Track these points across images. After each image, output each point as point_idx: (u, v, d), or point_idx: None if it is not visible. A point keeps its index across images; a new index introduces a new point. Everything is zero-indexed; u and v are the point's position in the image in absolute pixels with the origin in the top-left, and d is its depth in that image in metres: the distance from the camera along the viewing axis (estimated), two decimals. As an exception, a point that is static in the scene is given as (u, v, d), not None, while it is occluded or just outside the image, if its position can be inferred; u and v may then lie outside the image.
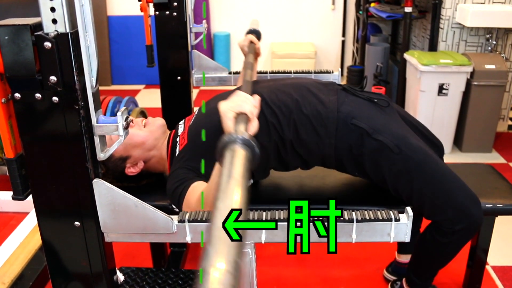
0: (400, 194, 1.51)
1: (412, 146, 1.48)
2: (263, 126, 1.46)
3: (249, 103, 1.19)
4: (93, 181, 1.09)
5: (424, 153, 1.48)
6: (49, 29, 0.97)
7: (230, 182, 0.73)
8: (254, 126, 1.18)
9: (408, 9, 3.61)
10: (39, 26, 0.97)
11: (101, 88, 3.59)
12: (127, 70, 5.09)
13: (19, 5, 2.91)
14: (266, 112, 1.49)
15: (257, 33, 2.05)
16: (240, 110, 1.16)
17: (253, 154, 0.88)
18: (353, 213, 1.19)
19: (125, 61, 5.03)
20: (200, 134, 1.49)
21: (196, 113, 1.67)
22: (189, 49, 2.20)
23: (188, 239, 1.16)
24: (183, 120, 1.71)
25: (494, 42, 3.45)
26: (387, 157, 1.46)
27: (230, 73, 2.30)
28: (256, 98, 1.24)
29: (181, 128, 1.66)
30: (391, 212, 1.21)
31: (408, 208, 1.21)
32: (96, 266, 1.18)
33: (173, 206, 1.45)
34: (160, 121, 1.69)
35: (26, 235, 2.16)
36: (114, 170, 1.61)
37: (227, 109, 1.17)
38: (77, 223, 1.13)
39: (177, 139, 1.61)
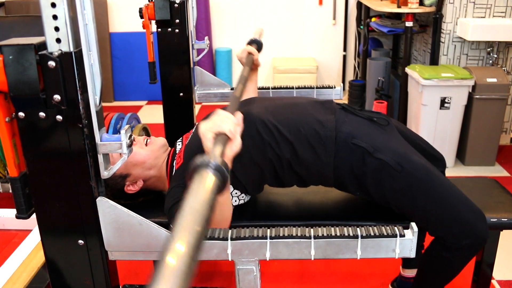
0: (404, 211, 1.51)
1: (414, 163, 1.47)
2: (259, 144, 1.47)
3: (229, 122, 1.15)
4: (97, 199, 1.09)
5: (426, 170, 1.48)
6: (53, 48, 0.98)
7: (190, 214, 0.70)
8: (236, 145, 1.15)
9: (409, 24, 3.63)
10: (43, 45, 0.98)
11: (103, 104, 3.60)
12: (129, 87, 5.11)
13: (22, 23, 2.94)
14: (262, 131, 1.48)
15: (258, 43, 1.97)
16: (219, 130, 1.12)
17: (223, 179, 0.86)
18: (358, 229, 1.19)
19: (127, 78, 5.05)
20: (194, 153, 1.49)
21: (194, 131, 1.67)
22: (191, 65, 2.21)
23: (192, 257, 1.16)
24: (181, 138, 1.71)
25: (495, 56, 3.46)
26: (389, 175, 1.45)
27: (232, 89, 2.31)
28: (238, 116, 1.21)
29: (179, 146, 1.66)
30: (396, 228, 1.20)
31: (413, 224, 1.21)
32: (99, 284, 1.17)
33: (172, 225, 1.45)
34: (161, 141, 1.69)
35: (29, 253, 2.15)
36: (113, 188, 1.60)
37: (206, 130, 1.14)
38: (81, 241, 1.13)
39: (175, 158, 1.62)
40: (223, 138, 1.10)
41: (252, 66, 1.83)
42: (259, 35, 2.04)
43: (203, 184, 0.81)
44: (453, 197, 1.49)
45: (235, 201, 1.54)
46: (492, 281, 2.18)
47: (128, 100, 5.16)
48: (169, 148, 1.71)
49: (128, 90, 5.13)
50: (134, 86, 5.09)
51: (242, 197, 1.55)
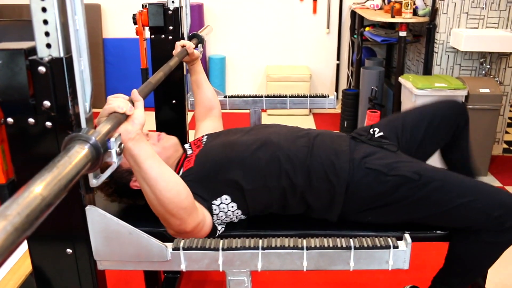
0: (438, 219, 1.50)
1: (429, 169, 1.50)
2: (276, 171, 1.49)
3: (118, 100, 1.14)
4: (86, 208, 1.06)
5: (443, 171, 1.52)
6: (43, 53, 0.96)
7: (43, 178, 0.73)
8: (136, 118, 1.14)
9: (402, 33, 3.64)
10: (33, 50, 0.96)
11: (95, 110, 3.57)
12: (122, 92, 5.06)
13: (14, 28, 2.92)
14: (283, 159, 1.50)
15: (197, 37, 2.13)
16: (109, 110, 1.10)
17: (96, 155, 0.87)
18: (351, 240, 1.17)
19: (120, 83, 5.03)
20: (207, 164, 1.52)
21: (205, 141, 1.68)
22: (185, 72, 2.20)
23: (183, 267, 1.14)
24: (189, 144, 1.72)
25: (488, 66, 3.48)
26: (410, 188, 1.46)
27: (225, 96, 2.29)
28: (140, 102, 1.21)
29: (189, 151, 1.67)
30: (389, 239, 1.19)
31: (407, 235, 1.19)
32: (88, 294, 1.15)
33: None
34: (174, 140, 1.68)
35: (17, 260, 2.12)
36: (118, 182, 1.57)
37: (99, 117, 1.12)
38: (69, 250, 1.10)
39: (185, 161, 1.61)
40: (114, 116, 1.07)
41: (186, 59, 1.94)
42: (204, 31, 2.13)
43: (71, 155, 0.81)
44: (481, 184, 1.50)
45: (233, 219, 1.53)
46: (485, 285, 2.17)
47: (121, 106, 5.13)
48: (181, 150, 1.69)
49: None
50: (127, 92, 5.04)
51: (241, 217, 1.54)
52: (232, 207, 1.49)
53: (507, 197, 1.46)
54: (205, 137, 1.73)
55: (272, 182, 1.49)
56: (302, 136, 1.60)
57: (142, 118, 1.16)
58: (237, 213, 1.51)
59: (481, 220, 1.44)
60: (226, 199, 1.48)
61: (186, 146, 1.71)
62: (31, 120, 1.00)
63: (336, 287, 2.25)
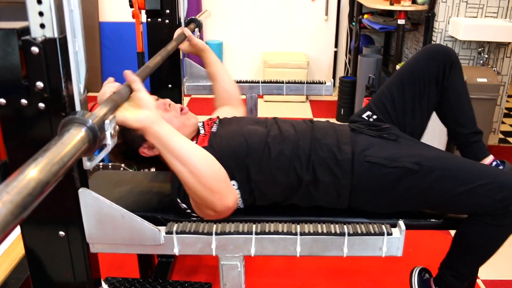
0: (442, 207, 1.51)
1: (430, 157, 1.48)
2: (285, 166, 1.49)
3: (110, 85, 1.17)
4: (79, 191, 1.06)
5: (444, 157, 1.50)
6: (37, 33, 0.94)
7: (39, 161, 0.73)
8: (147, 100, 1.18)
9: (401, 21, 3.62)
10: (26, 30, 0.95)
11: (91, 94, 3.56)
12: (118, 76, 5.03)
13: (9, 9, 2.88)
14: (291, 154, 1.49)
15: (196, 22, 2.11)
16: (106, 94, 1.13)
17: (93, 137, 0.88)
18: (345, 226, 1.17)
19: (116, 67, 4.99)
20: (222, 147, 1.50)
21: (217, 123, 1.66)
22: (181, 57, 2.18)
23: (176, 251, 1.14)
24: (202, 122, 1.69)
25: (486, 56, 3.47)
26: (412, 179, 1.46)
27: (222, 81, 2.28)
28: (138, 83, 1.23)
29: (202, 130, 1.65)
30: (383, 226, 1.19)
31: (401, 222, 1.19)
32: (80, 277, 1.15)
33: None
34: (196, 120, 1.64)
35: (10, 243, 2.11)
36: (129, 144, 1.53)
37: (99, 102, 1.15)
38: (61, 233, 1.10)
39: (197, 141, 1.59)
40: (111, 99, 1.07)
41: (189, 49, 1.93)
42: (202, 16, 2.10)
43: (68, 138, 0.81)
44: (483, 168, 1.50)
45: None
46: (478, 280, 2.18)
47: (117, 90, 5.11)
48: (196, 131, 1.66)
49: (117, 80, 5.03)
50: (122, 77, 5.04)
51: (239, 205, 1.52)
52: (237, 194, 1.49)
53: (509, 179, 1.44)
54: (218, 120, 1.69)
55: (281, 176, 1.49)
56: (306, 131, 1.58)
57: (150, 98, 1.19)
58: (239, 201, 1.51)
59: (485, 205, 1.43)
60: (234, 184, 1.47)
61: (199, 124, 1.69)
62: (23, 101, 0.99)
63: (328, 274, 2.26)
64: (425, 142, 1.71)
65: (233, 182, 1.47)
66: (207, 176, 1.28)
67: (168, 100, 1.62)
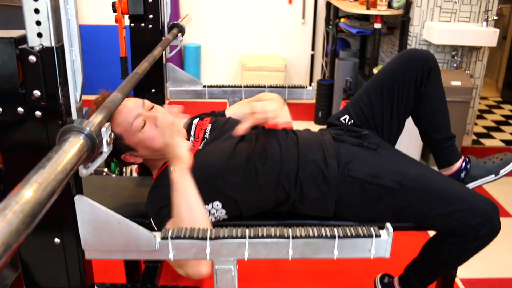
0: (423, 225, 1.57)
1: (411, 177, 1.52)
2: (273, 184, 1.51)
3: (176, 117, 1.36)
4: (75, 198, 1.06)
5: (424, 178, 1.53)
6: (34, 42, 0.95)
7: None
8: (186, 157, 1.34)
9: (377, 26, 3.69)
10: (23, 39, 0.95)
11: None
12: (97, 81, 5.00)
13: (3, 12, 2.84)
14: (280, 174, 1.51)
15: (178, 27, 2.19)
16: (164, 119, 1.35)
17: (91, 145, 0.90)
18: (335, 229, 1.20)
19: (94, 71, 4.95)
20: (205, 170, 1.49)
21: (207, 137, 1.64)
22: (164, 61, 2.19)
23: (171, 256, 1.15)
24: (195, 125, 1.71)
25: (460, 59, 3.56)
26: (392, 197, 1.50)
27: (204, 86, 2.29)
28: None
29: (191, 138, 1.66)
30: (371, 228, 1.22)
31: (388, 224, 1.23)
32: (74, 283, 1.15)
33: (152, 221, 1.44)
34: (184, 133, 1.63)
35: None
36: (114, 147, 1.52)
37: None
38: (57, 240, 1.10)
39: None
40: (105, 106, 1.09)
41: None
42: (183, 21, 2.15)
43: (67, 147, 0.83)
44: (461, 192, 1.53)
45: (219, 220, 1.53)
46: (456, 279, 2.24)
47: (95, 94, 5.05)
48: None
49: (96, 85, 5.01)
50: (102, 81, 4.98)
51: (223, 216, 1.53)
52: (221, 212, 1.51)
53: (485, 205, 1.50)
54: (208, 132, 1.67)
55: (269, 194, 1.51)
56: (291, 146, 1.57)
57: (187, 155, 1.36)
58: (225, 217, 1.53)
59: (458, 228, 1.50)
60: (217, 205, 1.49)
61: (193, 124, 1.70)
62: (20, 109, 0.99)
63: (312, 276, 2.29)
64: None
65: (217, 202, 1.49)
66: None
67: (159, 114, 1.57)
